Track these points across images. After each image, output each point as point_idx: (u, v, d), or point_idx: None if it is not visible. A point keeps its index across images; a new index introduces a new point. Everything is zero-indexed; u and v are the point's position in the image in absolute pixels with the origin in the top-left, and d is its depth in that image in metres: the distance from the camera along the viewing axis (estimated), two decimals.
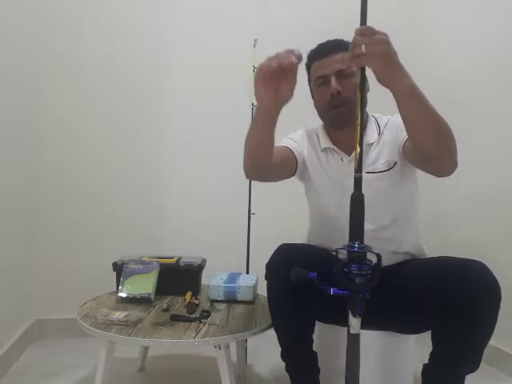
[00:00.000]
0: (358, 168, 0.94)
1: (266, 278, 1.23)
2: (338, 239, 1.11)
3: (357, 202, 0.93)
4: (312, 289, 1.01)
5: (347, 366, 0.94)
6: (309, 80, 1.41)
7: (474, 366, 1.10)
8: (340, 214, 1.27)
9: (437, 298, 1.08)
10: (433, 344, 1.12)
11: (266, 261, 1.23)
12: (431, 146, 1.03)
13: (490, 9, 1.96)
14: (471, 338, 1.06)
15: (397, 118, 1.24)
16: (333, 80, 1.28)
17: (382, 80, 0.94)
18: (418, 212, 1.37)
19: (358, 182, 0.94)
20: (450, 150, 1.05)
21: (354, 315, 0.92)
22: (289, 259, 1.17)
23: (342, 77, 1.28)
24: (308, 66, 1.39)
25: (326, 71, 1.30)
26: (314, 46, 1.37)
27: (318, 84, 1.33)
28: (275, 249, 1.24)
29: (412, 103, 0.98)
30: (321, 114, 1.39)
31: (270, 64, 1.01)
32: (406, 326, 1.29)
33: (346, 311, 0.93)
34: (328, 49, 1.32)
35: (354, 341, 0.93)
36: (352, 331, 0.92)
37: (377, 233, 1.27)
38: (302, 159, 1.42)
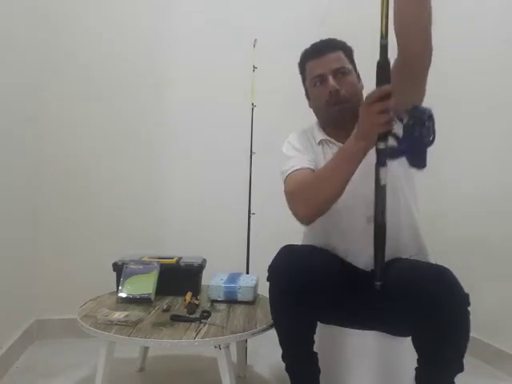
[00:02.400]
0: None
1: (268, 280, 1.22)
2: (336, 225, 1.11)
3: None
4: (317, 290, 1.01)
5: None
6: (303, 80, 1.40)
7: (458, 368, 1.09)
8: (339, 205, 1.22)
9: (409, 305, 1.08)
10: (415, 349, 1.13)
11: (266, 261, 1.22)
12: (411, 10, 1.02)
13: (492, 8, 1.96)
14: (446, 344, 1.06)
15: None
16: (330, 78, 1.28)
17: None
18: (414, 201, 1.33)
19: None
20: (427, 20, 1.04)
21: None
22: (291, 261, 1.17)
23: (339, 75, 1.28)
24: (302, 67, 1.38)
25: (322, 70, 1.29)
26: None
27: (314, 83, 1.33)
28: (277, 250, 1.23)
29: None
30: (318, 113, 1.38)
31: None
32: (392, 328, 1.28)
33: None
34: (323, 48, 1.32)
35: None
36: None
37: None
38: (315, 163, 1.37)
